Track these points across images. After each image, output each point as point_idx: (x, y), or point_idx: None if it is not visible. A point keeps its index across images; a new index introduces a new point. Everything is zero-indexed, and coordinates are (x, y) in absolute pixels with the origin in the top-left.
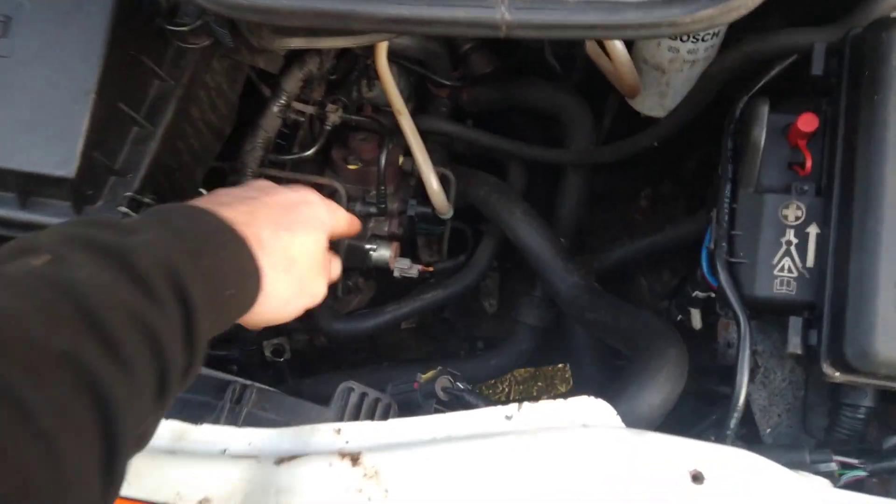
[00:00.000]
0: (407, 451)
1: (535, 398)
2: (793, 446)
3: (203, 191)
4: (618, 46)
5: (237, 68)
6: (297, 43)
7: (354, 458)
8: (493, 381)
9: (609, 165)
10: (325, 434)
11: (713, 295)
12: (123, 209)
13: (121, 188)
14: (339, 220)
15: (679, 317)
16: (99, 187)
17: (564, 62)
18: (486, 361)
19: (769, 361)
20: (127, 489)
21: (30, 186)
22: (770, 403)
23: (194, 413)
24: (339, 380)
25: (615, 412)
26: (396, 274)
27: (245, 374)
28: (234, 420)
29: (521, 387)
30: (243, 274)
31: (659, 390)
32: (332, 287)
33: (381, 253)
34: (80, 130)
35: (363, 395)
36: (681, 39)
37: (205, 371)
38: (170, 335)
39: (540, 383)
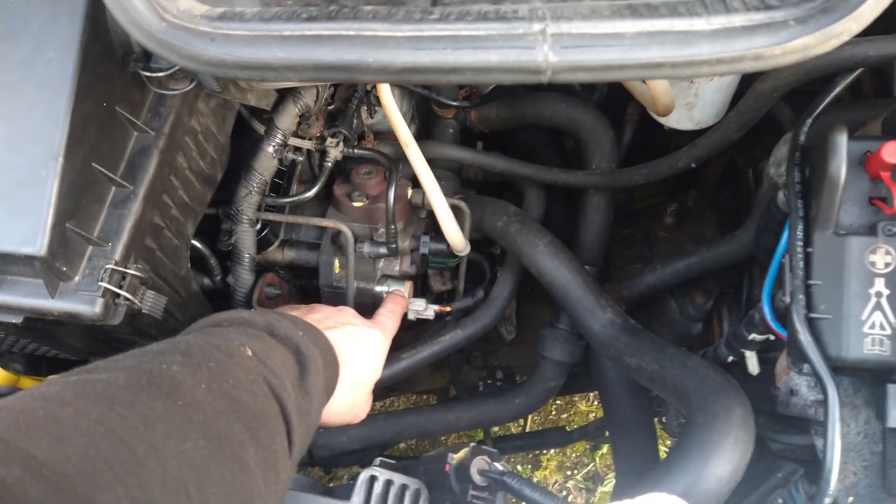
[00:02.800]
0: None
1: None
2: None
3: (197, 243)
4: None
5: (226, 107)
6: (290, 81)
7: None
8: (532, 455)
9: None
10: None
11: (772, 337)
12: (105, 284)
13: (100, 259)
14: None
15: (730, 358)
16: (74, 261)
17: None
18: (511, 402)
19: (841, 412)
20: None
21: None
22: (845, 460)
23: None
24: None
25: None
26: (411, 317)
27: None
28: None
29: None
30: (334, 375)
31: (727, 460)
32: None
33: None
34: (47, 200)
35: (388, 483)
36: None
37: None
38: (304, 433)
39: (559, 402)
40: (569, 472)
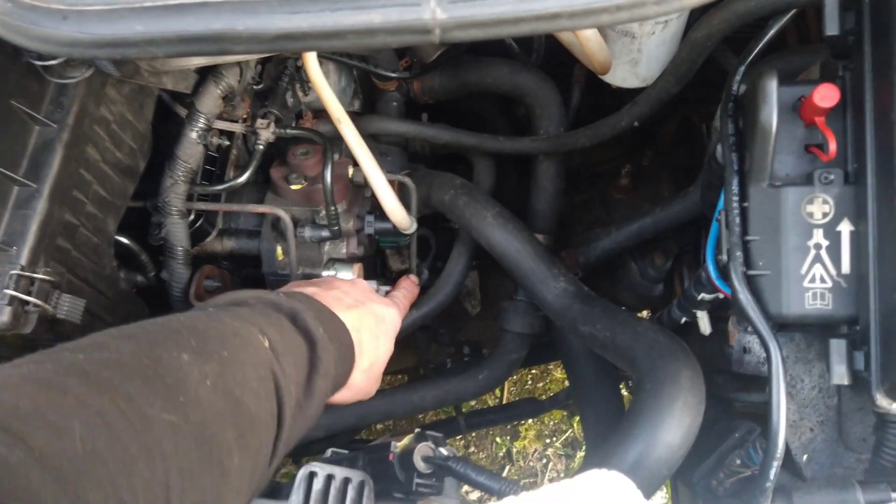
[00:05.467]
0: None
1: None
2: (841, 485)
3: (123, 238)
4: None
5: (143, 92)
6: (199, 60)
7: None
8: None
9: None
10: None
11: (721, 296)
12: (11, 292)
13: (5, 265)
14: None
15: (684, 319)
16: None
17: (522, 40)
18: (474, 378)
19: (794, 367)
20: None
21: None
22: (800, 417)
23: None
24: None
25: (636, 488)
26: None
27: None
28: None
29: (514, 376)
30: (345, 375)
31: (677, 426)
32: None
33: (342, 278)
34: None
35: (329, 478)
36: None
37: None
38: (297, 439)
39: (534, 371)
40: (548, 440)
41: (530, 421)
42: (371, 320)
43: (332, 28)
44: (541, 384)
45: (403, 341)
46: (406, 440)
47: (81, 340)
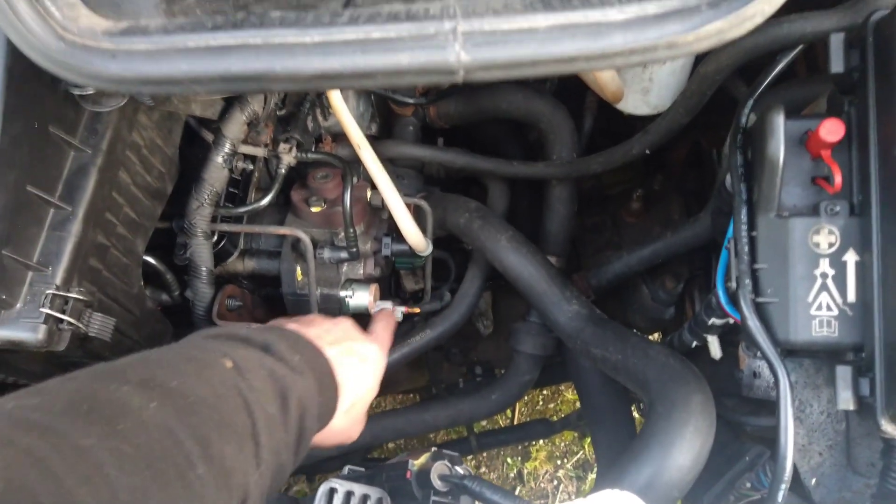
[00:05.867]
0: None
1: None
2: None
3: (150, 259)
4: None
5: (171, 118)
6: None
7: None
8: (494, 452)
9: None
10: None
11: (731, 321)
12: (47, 311)
13: (41, 285)
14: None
15: (694, 343)
16: (14, 289)
17: None
18: (487, 398)
19: (804, 392)
20: None
21: None
22: (809, 441)
23: None
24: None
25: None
26: None
27: None
28: None
29: (526, 397)
30: (329, 412)
31: (688, 449)
32: None
33: (359, 299)
34: None
35: (349, 495)
36: None
37: None
38: (287, 458)
39: (546, 392)
40: (559, 462)
41: (541, 442)
42: (354, 359)
43: (364, 69)
44: (552, 405)
45: (416, 361)
46: (423, 458)
47: (20, 391)
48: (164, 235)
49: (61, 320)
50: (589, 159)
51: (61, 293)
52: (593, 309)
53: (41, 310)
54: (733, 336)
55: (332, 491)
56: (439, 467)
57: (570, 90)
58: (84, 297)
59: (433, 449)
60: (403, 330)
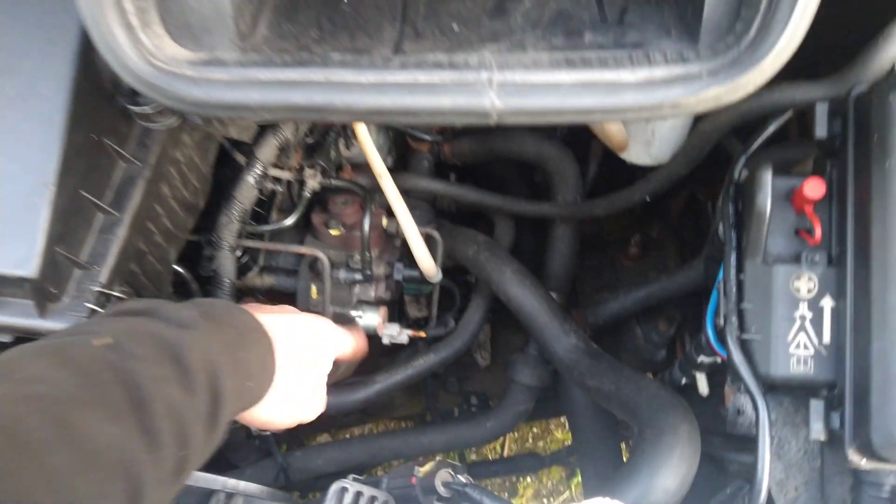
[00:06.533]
0: None
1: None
2: None
3: (179, 268)
4: None
5: (209, 139)
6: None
7: None
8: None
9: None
10: None
11: (719, 360)
12: (91, 306)
13: (87, 282)
14: (346, 348)
15: (684, 380)
16: (63, 283)
17: None
18: (482, 425)
19: (783, 430)
20: None
21: None
22: (787, 476)
23: None
24: (330, 454)
25: None
26: (386, 341)
27: (230, 449)
28: None
29: (516, 433)
30: (264, 370)
31: (674, 473)
32: None
33: (369, 320)
34: (39, 225)
35: (358, 495)
36: None
37: (192, 478)
38: (197, 426)
39: (535, 429)
40: (545, 500)
41: (529, 479)
42: (294, 332)
43: (410, 108)
44: (541, 443)
45: (413, 388)
46: (428, 466)
47: None
48: (191, 247)
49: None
50: (592, 202)
51: (105, 291)
52: (590, 343)
53: (86, 304)
54: (720, 376)
55: (342, 490)
56: (443, 474)
57: (577, 137)
58: (124, 297)
59: (438, 458)
60: (407, 353)
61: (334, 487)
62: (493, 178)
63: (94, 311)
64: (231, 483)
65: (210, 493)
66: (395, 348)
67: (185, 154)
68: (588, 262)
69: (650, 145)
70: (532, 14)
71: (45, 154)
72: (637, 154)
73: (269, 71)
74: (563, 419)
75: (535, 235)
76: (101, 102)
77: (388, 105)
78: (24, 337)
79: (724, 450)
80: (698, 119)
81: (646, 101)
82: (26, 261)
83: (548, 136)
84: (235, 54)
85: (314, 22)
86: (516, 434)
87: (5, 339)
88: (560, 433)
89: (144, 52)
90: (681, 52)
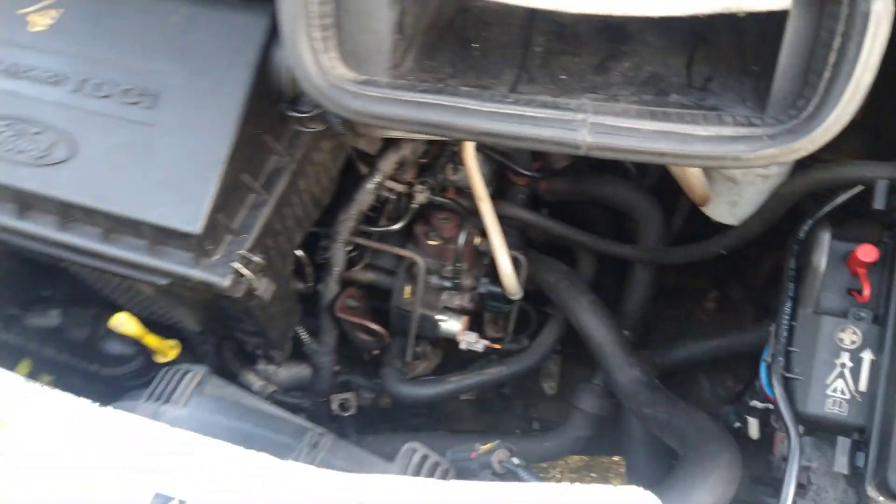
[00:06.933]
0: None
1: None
2: None
3: (300, 252)
4: None
5: (340, 148)
6: (396, 133)
7: None
8: (545, 465)
9: (679, 264)
10: (391, 484)
11: (771, 406)
12: (236, 265)
13: (235, 246)
14: None
15: (737, 424)
16: (217, 244)
17: (640, 165)
18: (540, 443)
19: (822, 479)
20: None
21: (160, 237)
22: None
23: (277, 452)
24: (399, 441)
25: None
26: (463, 346)
27: (313, 422)
28: (310, 462)
29: (573, 475)
30: None
31: (709, 492)
32: (401, 351)
33: (451, 325)
34: (208, 194)
35: (425, 457)
36: None
37: (288, 416)
38: None
39: (593, 474)
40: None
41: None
42: None
43: (517, 134)
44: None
45: (481, 406)
46: (489, 445)
47: None
48: (311, 238)
49: (242, 275)
50: (671, 250)
51: (247, 255)
52: (652, 378)
53: (231, 264)
54: (769, 426)
55: (412, 451)
56: (501, 453)
57: (665, 189)
58: (261, 263)
59: (498, 441)
60: (482, 363)
61: (405, 448)
62: (582, 219)
63: (237, 270)
64: (320, 429)
65: (305, 429)
66: (470, 357)
67: (322, 158)
68: (665, 312)
69: (735, 206)
70: (629, 73)
71: (222, 140)
72: (722, 213)
73: (411, 94)
74: (622, 470)
75: (615, 277)
76: (267, 106)
77: (500, 130)
78: (176, 283)
79: (767, 495)
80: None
81: (712, 151)
82: (194, 220)
83: (639, 184)
84: (387, 79)
85: (449, 61)
86: (573, 476)
87: (164, 282)
88: (617, 482)
89: (322, 70)
90: (749, 118)
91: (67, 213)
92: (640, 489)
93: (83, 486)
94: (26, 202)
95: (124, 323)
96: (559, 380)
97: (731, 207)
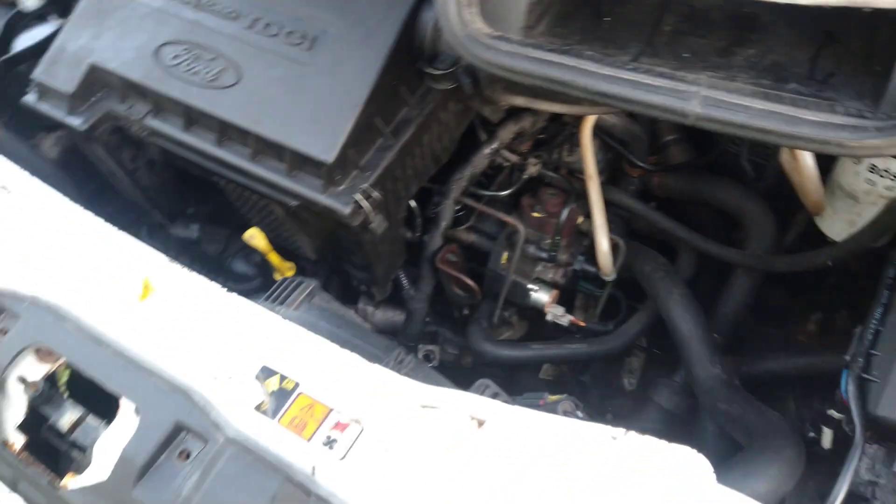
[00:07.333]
0: (523, 428)
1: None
2: None
3: (413, 204)
4: (808, 162)
5: (465, 113)
6: (520, 101)
7: (480, 423)
8: None
9: (785, 282)
10: (463, 400)
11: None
12: (358, 196)
13: (359, 181)
14: None
15: (811, 434)
16: (344, 175)
17: (757, 168)
18: None
19: (889, 497)
20: (313, 392)
21: (297, 162)
22: None
23: (367, 359)
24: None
25: (710, 468)
26: (549, 318)
27: None
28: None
29: None
30: None
31: (765, 481)
32: (490, 313)
33: (541, 295)
34: (345, 130)
35: (496, 395)
36: (879, 175)
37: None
38: None
39: None
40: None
41: None
42: None
43: (629, 97)
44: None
45: (556, 385)
46: (557, 397)
47: None
48: (423, 193)
49: (362, 207)
50: (777, 257)
51: (368, 190)
52: (732, 379)
53: (354, 196)
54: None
55: (485, 386)
56: (566, 404)
57: (781, 207)
58: (379, 200)
59: (566, 395)
60: (564, 338)
61: (479, 382)
62: (687, 220)
63: (358, 201)
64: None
65: (394, 346)
66: (553, 334)
67: (447, 117)
68: (762, 330)
69: (854, 225)
70: (752, 59)
71: (364, 84)
72: (839, 231)
73: (538, 51)
74: None
75: (713, 283)
76: (407, 61)
77: (614, 92)
78: (303, 206)
79: None
80: None
81: (817, 135)
82: (329, 151)
83: (753, 190)
84: (519, 37)
85: (579, 30)
86: None
87: (294, 203)
88: None
89: (462, 22)
90: (860, 111)
91: (225, 131)
92: (693, 451)
93: (206, 347)
94: (193, 118)
95: (255, 236)
96: (640, 377)
97: (849, 227)
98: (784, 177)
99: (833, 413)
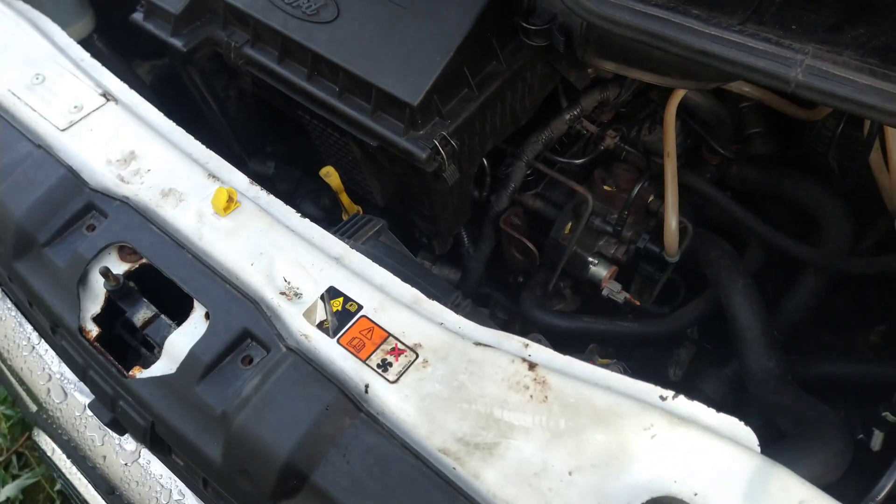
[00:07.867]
0: (573, 377)
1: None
2: None
3: (485, 162)
4: None
5: (551, 77)
6: (610, 66)
7: (532, 365)
8: None
9: (851, 292)
10: (515, 343)
11: None
12: (436, 142)
13: (439, 128)
14: None
15: (861, 435)
16: (426, 121)
17: (844, 166)
18: None
19: None
20: (374, 317)
21: (382, 103)
22: None
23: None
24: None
25: (756, 440)
26: (604, 293)
27: None
28: None
29: None
30: None
31: (810, 468)
32: (545, 282)
33: (599, 269)
34: (433, 75)
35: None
36: None
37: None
38: None
39: None
40: None
41: None
42: None
43: (731, 58)
44: None
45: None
46: (606, 361)
47: None
48: (497, 152)
49: (438, 154)
50: (850, 259)
51: (447, 138)
52: (786, 373)
53: (433, 140)
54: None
55: (538, 339)
56: (616, 367)
57: (864, 212)
58: (455, 149)
59: (615, 361)
60: (617, 317)
61: (531, 336)
62: (762, 217)
63: (436, 147)
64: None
65: (453, 290)
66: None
67: (533, 79)
68: (823, 338)
69: None
70: (861, 38)
71: (457, 31)
72: None
73: (642, 5)
74: None
75: (780, 282)
76: (501, 13)
77: (716, 51)
78: (382, 147)
79: None
80: None
81: None
82: (415, 93)
83: (834, 189)
84: None
85: None
86: None
87: (374, 143)
88: None
89: None
90: None
91: (317, 66)
92: (739, 421)
93: (277, 264)
94: (288, 50)
95: (331, 174)
96: (686, 369)
97: None
98: (868, 180)
99: (888, 415)
